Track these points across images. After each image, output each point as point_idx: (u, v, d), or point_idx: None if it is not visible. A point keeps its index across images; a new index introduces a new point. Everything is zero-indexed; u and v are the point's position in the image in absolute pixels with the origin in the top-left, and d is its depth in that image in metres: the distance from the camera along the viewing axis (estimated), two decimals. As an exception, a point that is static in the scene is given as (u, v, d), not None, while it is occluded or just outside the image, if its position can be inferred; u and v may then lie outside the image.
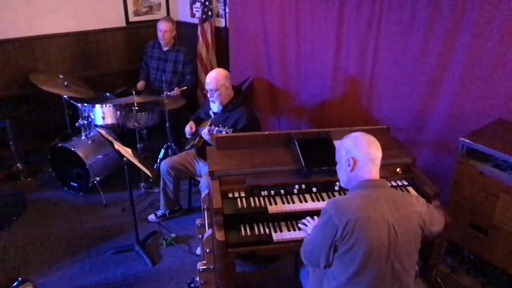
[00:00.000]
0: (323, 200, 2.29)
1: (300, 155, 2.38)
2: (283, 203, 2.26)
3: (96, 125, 3.88)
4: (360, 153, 1.79)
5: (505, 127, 2.53)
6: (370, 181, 1.77)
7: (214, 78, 3.03)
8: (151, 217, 3.51)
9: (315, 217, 2.12)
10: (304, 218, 2.16)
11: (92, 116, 3.84)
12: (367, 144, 1.80)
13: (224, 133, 2.75)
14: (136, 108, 3.81)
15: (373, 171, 1.79)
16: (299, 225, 2.15)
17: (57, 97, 4.01)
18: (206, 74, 3.15)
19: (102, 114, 3.85)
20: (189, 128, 3.31)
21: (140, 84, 4.40)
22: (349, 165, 1.81)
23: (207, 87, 3.07)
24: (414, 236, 1.72)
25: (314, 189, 2.34)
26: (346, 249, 1.65)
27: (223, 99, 3.07)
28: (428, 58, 2.86)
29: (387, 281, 1.68)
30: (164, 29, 4.16)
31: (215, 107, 3.14)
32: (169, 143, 4.01)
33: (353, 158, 1.80)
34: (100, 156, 3.79)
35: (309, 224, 2.09)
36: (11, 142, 4.06)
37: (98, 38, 4.70)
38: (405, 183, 2.40)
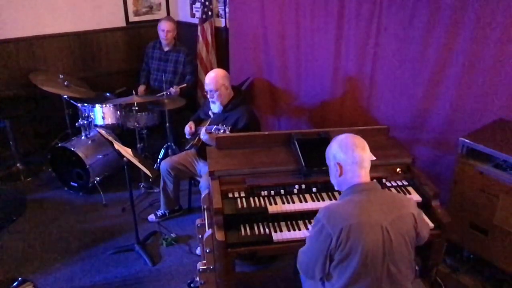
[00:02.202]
0: (323, 200, 2.29)
1: (300, 155, 2.38)
2: (283, 203, 2.26)
3: (96, 125, 3.88)
4: (345, 157, 1.76)
5: (505, 127, 2.53)
6: (360, 185, 1.74)
7: (213, 78, 3.03)
8: (151, 217, 3.51)
9: None
10: (304, 218, 2.15)
11: (92, 116, 3.84)
12: (352, 148, 1.76)
13: (222, 131, 2.75)
14: (136, 108, 3.81)
15: (362, 175, 1.76)
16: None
17: (57, 97, 4.01)
18: (206, 74, 3.15)
19: (102, 114, 3.85)
20: (189, 128, 3.30)
21: (141, 89, 4.39)
22: (337, 170, 1.80)
23: (207, 88, 3.07)
24: (409, 238, 1.71)
25: (314, 189, 2.34)
26: (341, 257, 1.64)
27: (223, 99, 3.07)
28: (428, 58, 2.86)
29: (384, 285, 1.68)
30: (166, 29, 4.16)
31: (215, 107, 3.13)
32: (169, 143, 4.01)
33: (339, 164, 1.79)
34: (100, 156, 3.79)
35: None
36: (11, 142, 4.06)
37: (98, 38, 4.70)
38: (405, 183, 2.40)
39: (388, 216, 1.67)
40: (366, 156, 1.77)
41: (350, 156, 1.75)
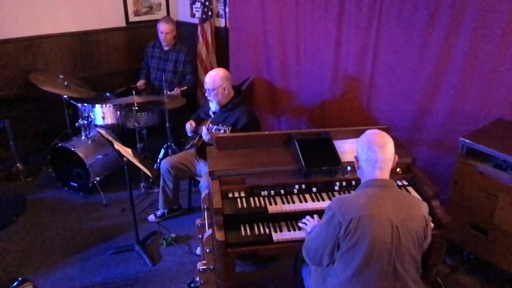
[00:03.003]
0: (323, 200, 2.29)
1: (300, 155, 2.38)
2: (283, 203, 2.26)
3: (96, 125, 3.88)
4: (361, 153, 1.81)
5: (505, 127, 2.53)
6: (376, 180, 1.77)
7: (212, 78, 3.03)
8: (151, 217, 3.51)
9: (315, 216, 2.12)
10: (304, 218, 2.16)
11: (92, 116, 3.84)
12: (369, 145, 1.79)
13: (222, 131, 2.75)
14: (136, 108, 3.81)
15: (378, 172, 1.78)
16: (299, 224, 2.15)
17: (57, 97, 4.01)
18: (206, 74, 3.15)
19: (102, 114, 3.85)
20: (189, 125, 3.29)
21: (140, 83, 4.39)
22: (356, 163, 1.86)
23: (206, 86, 3.07)
24: (418, 239, 1.72)
25: (314, 189, 2.34)
26: (348, 247, 1.67)
27: (220, 99, 3.08)
28: (428, 58, 2.86)
29: (389, 281, 1.68)
30: (165, 31, 4.15)
31: (212, 106, 3.15)
32: (169, 143, 4.01)
33: (356, 157, 1.86)
34: (100, 156, 3.79)
35: (309, 223, 2.09)
36: (11, 142, 4.05)
37: (98, 38, 4.71)
38: (405, 183, 2.40)
39: (400, 214, 1.69)
40: (383, 156, 1.78)
41: (365, 154, 1.79)
